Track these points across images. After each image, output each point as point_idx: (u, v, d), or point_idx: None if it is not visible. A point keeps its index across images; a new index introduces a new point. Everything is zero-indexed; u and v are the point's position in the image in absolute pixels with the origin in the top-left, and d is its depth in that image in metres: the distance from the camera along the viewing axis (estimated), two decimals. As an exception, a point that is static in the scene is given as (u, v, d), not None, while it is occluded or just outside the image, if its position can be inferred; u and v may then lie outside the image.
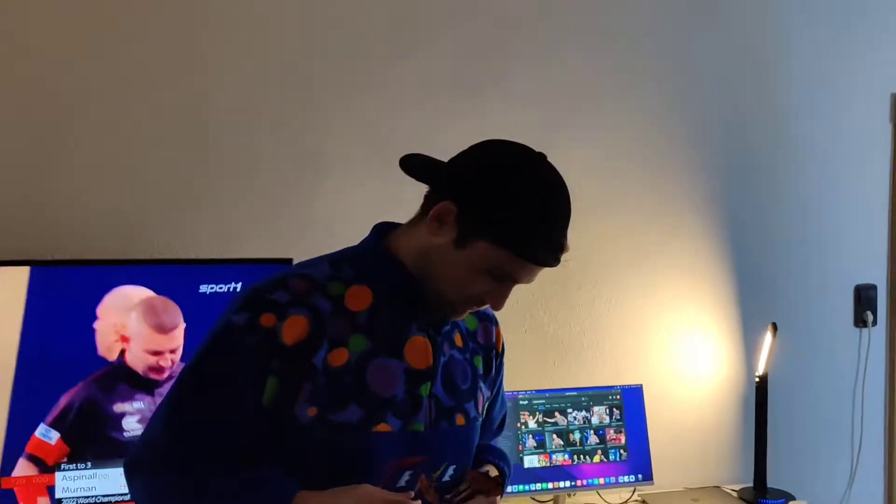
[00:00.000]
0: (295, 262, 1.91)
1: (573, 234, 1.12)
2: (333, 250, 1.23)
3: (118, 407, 1.86)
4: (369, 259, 1.17)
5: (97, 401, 1.85)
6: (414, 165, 1.14)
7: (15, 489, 1.78)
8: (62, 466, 1.80)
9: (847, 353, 2.66)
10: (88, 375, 1.84)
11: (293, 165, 2.18)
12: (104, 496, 1.83)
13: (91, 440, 1.84)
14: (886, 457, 2.71)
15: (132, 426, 1.87)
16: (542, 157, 1.11)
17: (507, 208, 1.05)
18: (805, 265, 2.61)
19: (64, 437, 1.82)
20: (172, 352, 1.90)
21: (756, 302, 2.54)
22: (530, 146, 1.13)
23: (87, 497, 1.83)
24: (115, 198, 2.06)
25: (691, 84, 2.49)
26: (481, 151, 1.12)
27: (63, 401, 1.82)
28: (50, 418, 1.81)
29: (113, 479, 1.83)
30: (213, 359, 1.09)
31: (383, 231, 1.20)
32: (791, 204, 2.60)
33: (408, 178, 1.15)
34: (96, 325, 1.85)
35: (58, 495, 1.80)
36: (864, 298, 2.67)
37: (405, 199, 1.22)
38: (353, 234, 1.25)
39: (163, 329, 1.89)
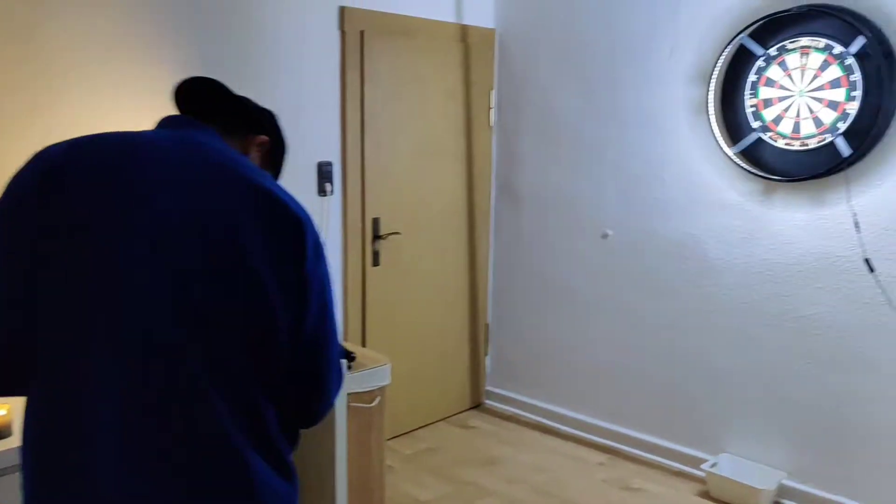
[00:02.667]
0: None
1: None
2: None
3: None
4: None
5: None
6: (231, 95, 1.39)
7: None
8: None
9: (316, 217, 3.26)
10: None
11: None
12: None
13: None
14: (343, 295, 3.48)
15: None
16: None
17: (283, 153, 1.50)
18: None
19: None
20: None
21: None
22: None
23: None
24: None
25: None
26: (262, 108, 1.46)
27: None
28: None
29: None
30: None
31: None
32: (269, 97, 2.98)
33: None
34: None
35: None
36: (324, 172, 3.28)
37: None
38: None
39: None
